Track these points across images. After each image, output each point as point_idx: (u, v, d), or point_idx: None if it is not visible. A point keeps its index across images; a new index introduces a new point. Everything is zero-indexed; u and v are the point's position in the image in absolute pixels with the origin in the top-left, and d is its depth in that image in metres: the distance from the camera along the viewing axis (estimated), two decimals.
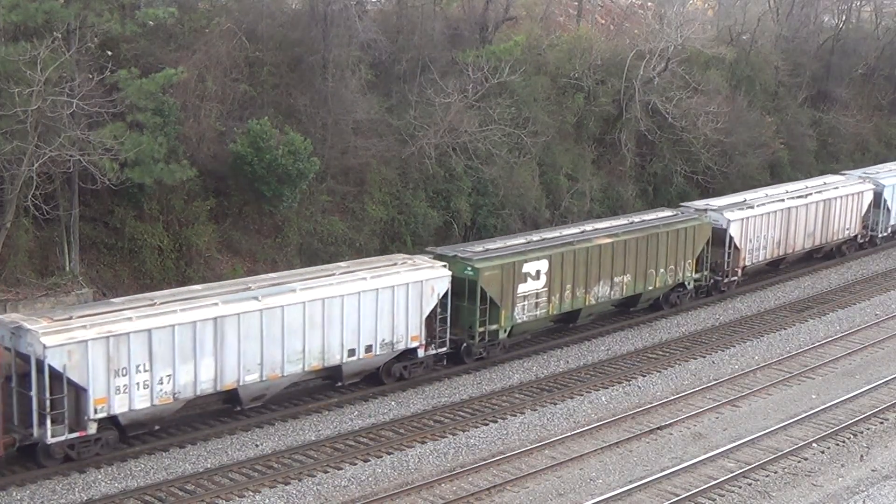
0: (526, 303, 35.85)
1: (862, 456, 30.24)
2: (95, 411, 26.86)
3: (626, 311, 41.55)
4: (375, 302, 31.74)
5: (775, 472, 28.98)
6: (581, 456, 29.50)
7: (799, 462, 29.71)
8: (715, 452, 29.90)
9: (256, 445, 29.40)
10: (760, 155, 55.23)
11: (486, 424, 31.43)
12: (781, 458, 29.83)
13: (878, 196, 52.34)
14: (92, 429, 27.06)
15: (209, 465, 28.07)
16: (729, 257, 44.04)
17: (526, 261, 35.65)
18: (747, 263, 45.10)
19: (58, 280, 32.60)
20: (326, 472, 27.95)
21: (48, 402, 26.28)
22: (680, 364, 37.30)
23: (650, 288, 40.61)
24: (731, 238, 43.67)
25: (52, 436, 26.49)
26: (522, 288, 35.59)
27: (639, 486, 27.71)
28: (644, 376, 35.96)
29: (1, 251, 31.44)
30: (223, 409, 30.84)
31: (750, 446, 30.54)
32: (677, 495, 27.31)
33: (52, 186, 31.97)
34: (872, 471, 29.33)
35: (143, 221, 34.96)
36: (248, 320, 29.19)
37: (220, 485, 27.03)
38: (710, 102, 50.45)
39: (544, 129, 46.07)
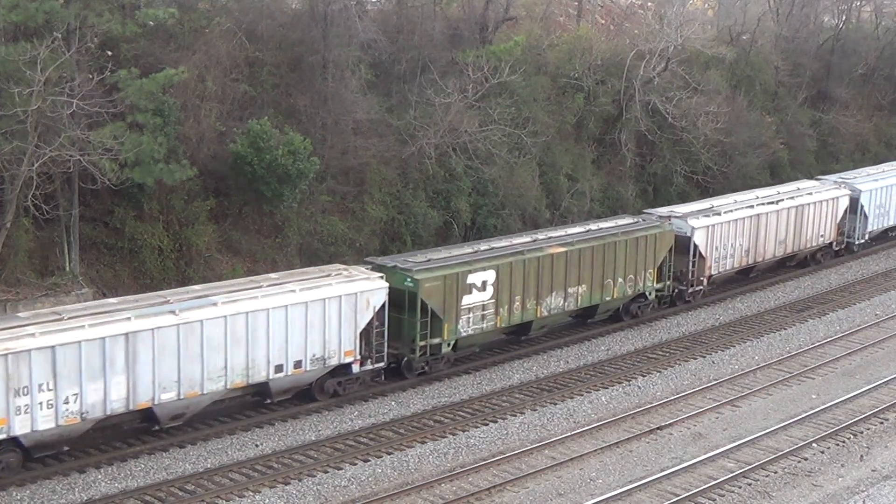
0: (471, 315, 34.38)
1: (862, 456, 30.24)
2: None
3: (584, 322, 39.93)
4: (305, 315, 30.25)
5: (775, 472, 28.98)
6: (581, 456, 29.49)
7: (799, 462, 29.71)
8: (715, 452, 29.89)
9: (256, 445, 29.39)
10: (760, 155, 55.25)
11: (486, 424, 31.43)
12: (781, 458, 29.83)
13: (854, 202, 50.60)
14: None
15: (209, 465, 28.06)
16: (693, 266, 42.28)
17: (471, 271, 34.17)
18: (713, 272, 43.46)
19: (58, 280, 32.62)
20: (326, 472, 27.94)
21: None
22: (680, 364, 37.29)
23: (608, 299, 38.97)
24: (695, 246, 41.96)
25: None
26: (467, 299, 34.09)
27: (639, 486, 27.70)
28: (644, 376, 35.96)
29: (1, 251, 31.45)
30: (224, 410, 30.83)
31: (750, 446, 30.53)
32: (677, 495, 27.31)
33: (52, 186, 31.98)
34: (872, 471, 29.33)
35: (143, 221, 34.97)
36: (164, 335, 27.60)
37: (220, 485, 27.03)
38: (710, 102, 50.45)
39: (544, 129, 46.08)
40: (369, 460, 28.71)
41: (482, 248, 36.06)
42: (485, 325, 34.99)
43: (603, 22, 58.89)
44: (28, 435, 26.04)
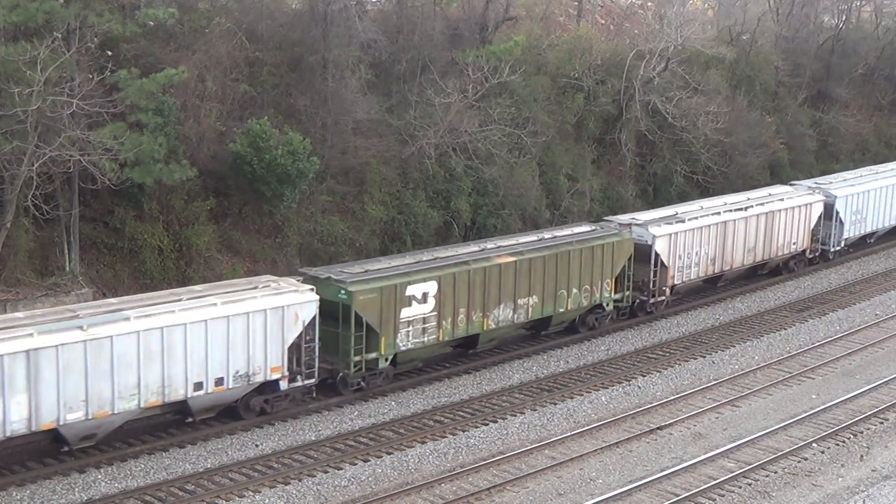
0: (411, 328, 32.91)
1: (862, 456, 30.24)
2: None
3: (537, 335, 38.39)
4: (226, 330, 28.76)
5: (775, 472, 28.98)
6: (581, 456, 29.50)
7: (799, 462, 29.71)
8: (715, 452, 29.89)
9: (256, 445, 29.39)
10: (760, 155, 55.24)
11: (486, 424, 31.42)
12: (781, 458, 29.83)
13: (829, 208, 48.75)
14: None
15: (209, 465, 28.06)
16: (655, 276, 40.60)
17: (410, 283, 32.70)
18: (677, 282, 41.83)
19: (58, 280, 32.62)
20: (326, 472, 27.94)
21: None
22: (680, 364, 37.29)
23: (561, 310, 37.39)
24: (656, 255, 40.31)
25: None
26: (406, 312, 32.66)
27: (639, 486, 27.71)
28: (644, 376, 35.95)
29: (1, 251, 31.45)
30: (224, 410, 30.81)
31: (750, 446, 30.53)
32: (677, 495, 27.31)
33: (52, 186, 31.98)
34: (872, 471, 29.33)
35: (143, 221, 34.97)
36: (69, 352, 26.11)
37: (220, 485, 27.03)
38: (710, 102, 50.45)
39: (544, 129, 46.07)
40: (369, 460, 28.71)
41: (425, 259, 34.58)
42: (426, 339, 33.48)
43: (603, 22, 58.90)
44: None
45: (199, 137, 35.97)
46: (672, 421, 32.19)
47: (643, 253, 40.11)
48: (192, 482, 27.07)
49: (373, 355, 32.39)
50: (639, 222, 40.85)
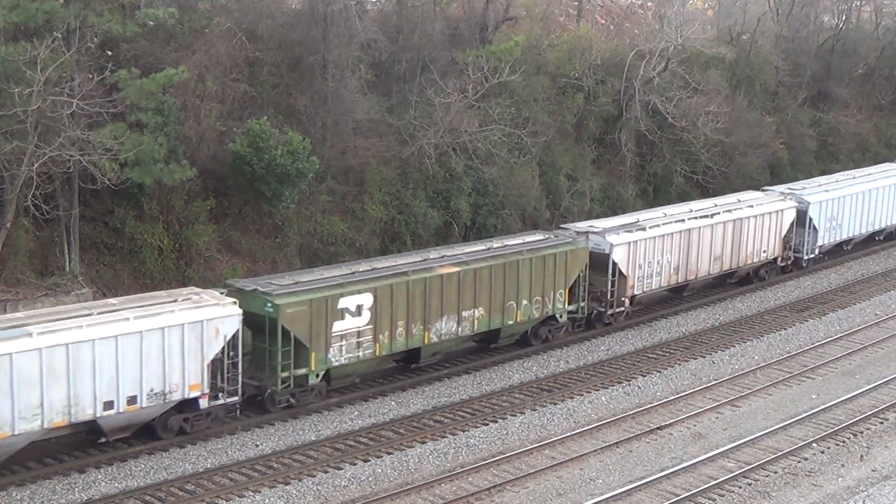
0: (345, 343, 31.45)
1: (862, 456, 30.25)
2: None
3: (487, 348, 36.93)
4: (139, 346, 27.37)
5: (775, 472, 28.99)
6: (581, 456, 29.50)
7: (799, 462, 29.71)
8: (715, 452, 29.90)
9: (256, 445, 29.40)
10: (760, 155, 55.24)
11: (486, 424, 31.43)
12: (781, 458, 29.84)
13: (802, 214, 47.19)
14: None
15: (209, 465, 28.07)
16: (613, 286, 39.10)
17: (342, 295, 31.21)
18: (637, 292, 40.21)
19: (58, 280, 32.61)
20: (326, 472, 27.95)
21: None
22: (680, 364, 37.29)
23: (510, 322, 35.86)
24: (614, 264, 38.81)
25: None
26: (339, 326, 31.19)
27: (639, 486, 27.72)
28: (644, 376, 35.96)
29: (1, 251, 31.44)
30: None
31: (750, 446, 30.54)
32: (677, 495, 27.32)
33: (52, 186, 31.98)
34: (872, 471, 29.34)
35: (143, 221, 34.97)
36: None
37: (220, 485, 27.04)
38: (710, 102, 50.44)
39: (544, 129, 46.07)
40: (369, 460, 28.71)
41: (361, 269, 33.13)
42: (361, 354, 32.00)
43: (603, 22, 58.90)
44: None
45: (199, 137, 35.97)
46: (672, 421, 32.19)
47: (600, 262, 38.64)
48: (192, 482, 27.08)
49: (302, 371, 30.98)
50: (596, 230, 39.35)
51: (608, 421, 32.02)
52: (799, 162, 59.65)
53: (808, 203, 47.80)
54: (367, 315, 31.89)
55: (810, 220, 47.83)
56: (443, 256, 35.00)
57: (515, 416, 32.17)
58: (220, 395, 29.53)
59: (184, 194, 35.84)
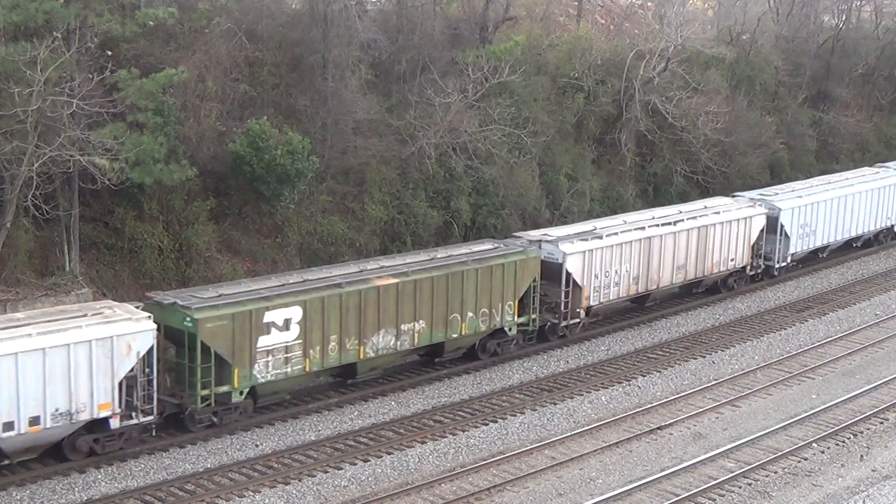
0: (272, 358, 30.02)
1: (862, 456, 30.25)
2: None
3: (431, 363, 35.58)
4: (42, 364, 25.95)
5: (775, 472, 28.99)
6: (581, 456, 29.51)
7: (799, 462, 29.72)
8: (715, 452, 29.91)
9: (256, 445, 29.40)
10: (760, 155, 55.24)
11: (486, 424, 31.43)
12: (781, 458, 29.85)
13: (773, 221, 45.58)
14: None
15: (209, 465, 28.07)
16: (567, 297, 37.44)
17: (268, 308, 29.79)
18: (593, 303, 38.49)
19: (58, 280, 32.60)
20: (326, 472, 27.95)
21: None
22: (680, 364, 37.30)
23: (454, 336, 34.38)
24: (568, 274, 37.15)
25: None
26: (265, 341, 29.75)
27: (639, 486, 27.72)
28: (644, 376, 35.96)
29: (1, 251, 31.44)
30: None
31: (750, 446, 30.55)
32: (677, 495, 27.32)
33: (52, 186, 31.95)
34: (872, 471, 29.34)
35: (143, 221, 34.96)
36: None
37: (220, 485, 27.04)
38: (710, 102, 50.45)
39: (544, 129, 46.07)
40: (369, 460, 28.71)
41: (291, 281, 31.70)
42: (290, 370, 30.54)
43: (603, 22, 58.89)
44: None
45: (199, 137, 35.96)
46: (672, 421, 32.20)
47: (554, 272, 37.02)
48: (192, 482, 27.08)
49: (225, 388, 29.49)
50: (550, 239, 37.73)
51: (608, 421, 32.03)
52: (799, 162, 59.66)
53: (780, 209, 46.13)
54: (295, 329, 30.44)
55: (782, 226, 46.24)
56: (381, 267, 33.55)
57: (515, 416, 32.17)
58: (133, 414, 28.00)
59: (184, 194, 35.84)
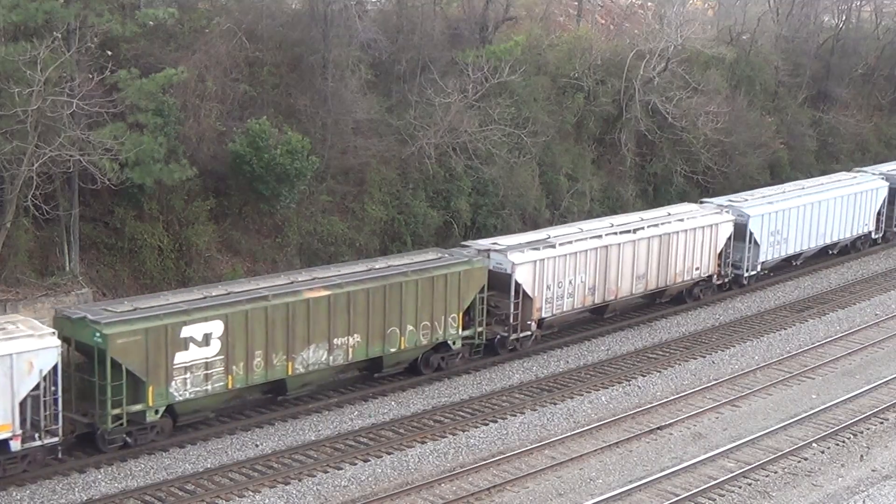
0: (190, 375, 28.53)
1: (862, 456, 30.26)
2: None
3: (371, 377, 34.05)
4: None
5: (775, 472, 29.00)
6: (581, 456, 29.51)
7: (799, 462, 29.72)
8: (715, 452, 29.91)
9: (256, 445, 29.40)
10: (760, 155, 55.25)
11: (486, 424, 31.43)
12: (781, 458, 29.85)
13: (741, 228, 43.83)
14: None
15: (209, 465, 28.07)
16: (517, 308, 35.83)
17: (186, 323, 28.28)
18: (545, 315, 36.90)
19: (58, 280, 32.60)
20: (326, 472, 27.95)
21: None
22: (680, 364, 37.30)
23: (393, 350, 32.96)
24: (518, 285, 35.61)
25: None
26: (183, 357, 28.25)
27: (639, 486, 27.72)
28: (644, 376, 35.97)
29: (1, 251, 31.43)
30: (225, 410, 30.73)
31: (750, 446, 30.55)
32: (677, 495, 27.33)
33: (52, 186, 31.95)
34: (872, 471, 29.35)
35: (143, 221, 34.96)
36: None
37: (220, 485, 27.04)
38: (710, 102, 50.46)
39: (544, 129, 46.07)
40: (369, 460, 28.72)
41: (214, 294, 30.10)
42: (211, 387, 29.03)
43: (603, 22, 58.88)
44: None
45: (199, 137, 35.96)
46: (672, 421, 32.20)
47: (502, 283, 35.53)
48: (192, 482, 27.08)
49: (139, 407, 28.01)
50: (498, 248, 36.16)
51: (608, 421, 32.03)
52: (799, 162, 59.68)
53: (748, 216, 44.39)
54: (216, 344, 28.93)
55: (751, 234, 44.53)
56: (314, 279, 32.02)
57: (515, 416, 32.17)
58: (36, 435, 26.32)
59: (184, 194, 35.84)
